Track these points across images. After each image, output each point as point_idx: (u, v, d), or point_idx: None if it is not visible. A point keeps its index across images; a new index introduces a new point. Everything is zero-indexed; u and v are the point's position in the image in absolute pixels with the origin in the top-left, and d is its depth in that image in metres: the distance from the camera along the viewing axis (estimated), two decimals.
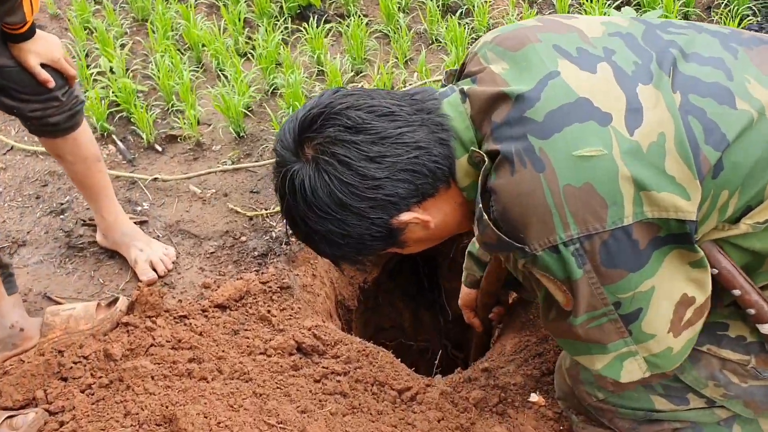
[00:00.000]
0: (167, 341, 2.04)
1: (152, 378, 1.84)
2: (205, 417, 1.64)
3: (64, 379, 1.91)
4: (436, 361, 2.28)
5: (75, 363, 1.93)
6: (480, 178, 1.32)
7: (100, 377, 1.89)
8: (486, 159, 1.31)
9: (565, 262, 1.26)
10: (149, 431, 1.65)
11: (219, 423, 1.62)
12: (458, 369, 2.22)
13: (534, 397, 1.95)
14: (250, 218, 2.68)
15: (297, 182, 1.33)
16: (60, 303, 2.37)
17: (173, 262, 2.52)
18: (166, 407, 1.68)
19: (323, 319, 2.37)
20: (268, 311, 2.27)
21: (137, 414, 1.69)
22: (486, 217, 1.30)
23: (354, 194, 1.32)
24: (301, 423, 1.64)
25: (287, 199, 1.36)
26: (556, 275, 1.29)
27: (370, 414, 1.83)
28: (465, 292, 2.23)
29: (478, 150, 1.33)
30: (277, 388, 1.89)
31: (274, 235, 2.59)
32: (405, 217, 1.36)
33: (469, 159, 1.35)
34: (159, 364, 1.94)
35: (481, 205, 1.32)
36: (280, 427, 1.61)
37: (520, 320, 2.25)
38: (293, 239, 2.57)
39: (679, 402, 1.56)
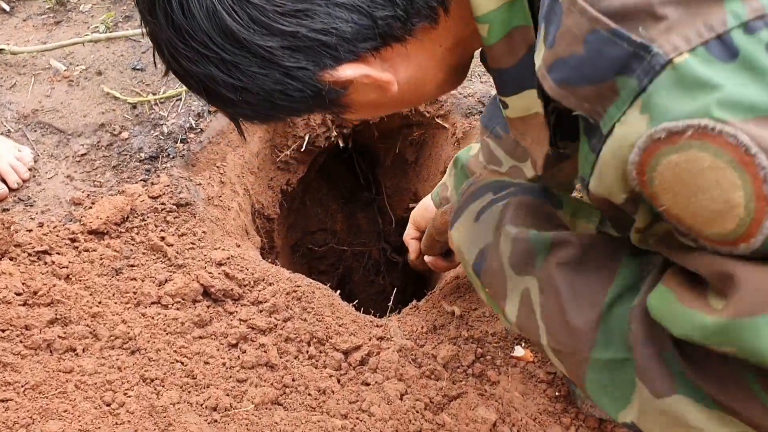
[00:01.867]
0: (16, 294, 1.45)
1: None
2: None
3: None
4: (390, 303, 1.79)
5: None
6: None
7: None
8: None
9: (749, 68, 0.55)
10: None
11: None
12: (413, 303, 1.74)
13: (519, 351, 1.50)
14: (134, 106, 2.02)
15: None
16: None
17: (29, 169, 1.87)
18: None
19: (237, 242, 1.82)
20: (162, 238, 1.69)
21: None
22: None
23: (255, 23, 0.73)
24: None
25: (145, 14, 0.78)
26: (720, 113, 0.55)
27: (309, 395, 1.34)
28: (423, 207, 1.65)
29: None
30: (176, 362, 1.35)
31: (165, 129, 1.96)
32: (347, 72, 0.79)
33: None
34: (5, 331, 1.36)
35: None
36: None
37: None
38: (192, 134, 1.95)
39: None
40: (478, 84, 2.03)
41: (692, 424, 0.67)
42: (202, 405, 1.24)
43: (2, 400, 1.19)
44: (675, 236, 0.65)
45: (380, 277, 2.82)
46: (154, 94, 2.03)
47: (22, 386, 1.23)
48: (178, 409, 1.21)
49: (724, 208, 0.57)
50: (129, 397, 1.23)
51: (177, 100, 2.01)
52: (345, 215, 2.73)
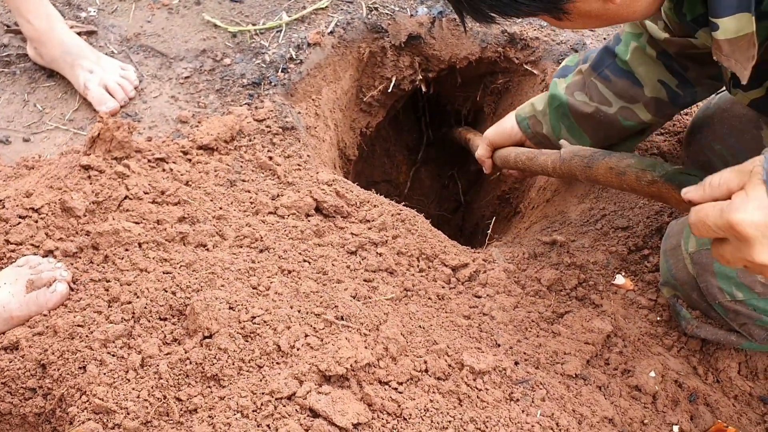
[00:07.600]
0: (145, 192, 1.51)
1: (140, 246, 1.33)
2: (231, 308, 1.16)
3: (9, 242, 1.37)
4: (489, 231, 1.85)
5: (22, 217, 1.38)
6: None
7: (62, 240, 1.36)
8: None
9: None
10: (150, 328, 1.16)
11: (253, 318, 1.15)
12: (510, 235, 1.80)
13: (620, 280, 1.57)
14: (234, 35, 2.07)
15: None
16: None
17: (134, 88, 1.93)
18: (173, 293, 1.19)
19: (332, 171, 1.88)
20: (270, 158, 1.75)
21: (129, 302, 1.19)
22: None
23: None
24: (368, 317, 1.19)
25: None
26: None
27: (429, 298, 1.40)
28: (506, 133, 1.71)
29: None
30: (305, 261, 1.41)
31: (267, 58, 2.01)
32: None
33: None
34: (140, 224, 1.42)
35: None
36: (342, 325, 1.16)
37: (581, 185, 1.83)
38: (292, 65, 2.00)
39: None
40: (570, 32, 2.08)
41: None
42: (348, 295, 1.30)
43: (165, 272, 1.25)
44: None
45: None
46: (254, 25, 2.09)
47: (178, 263, 1.29)
48: (324, 291, 1.27)
49: None
50: (273, 282, 1.29)
51: (277, 32, 2.06)
52: (409, 167, 2.79)
